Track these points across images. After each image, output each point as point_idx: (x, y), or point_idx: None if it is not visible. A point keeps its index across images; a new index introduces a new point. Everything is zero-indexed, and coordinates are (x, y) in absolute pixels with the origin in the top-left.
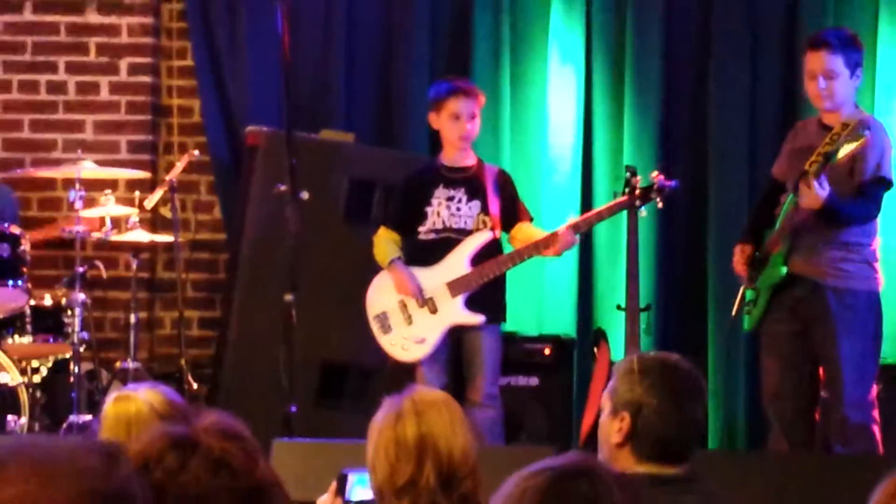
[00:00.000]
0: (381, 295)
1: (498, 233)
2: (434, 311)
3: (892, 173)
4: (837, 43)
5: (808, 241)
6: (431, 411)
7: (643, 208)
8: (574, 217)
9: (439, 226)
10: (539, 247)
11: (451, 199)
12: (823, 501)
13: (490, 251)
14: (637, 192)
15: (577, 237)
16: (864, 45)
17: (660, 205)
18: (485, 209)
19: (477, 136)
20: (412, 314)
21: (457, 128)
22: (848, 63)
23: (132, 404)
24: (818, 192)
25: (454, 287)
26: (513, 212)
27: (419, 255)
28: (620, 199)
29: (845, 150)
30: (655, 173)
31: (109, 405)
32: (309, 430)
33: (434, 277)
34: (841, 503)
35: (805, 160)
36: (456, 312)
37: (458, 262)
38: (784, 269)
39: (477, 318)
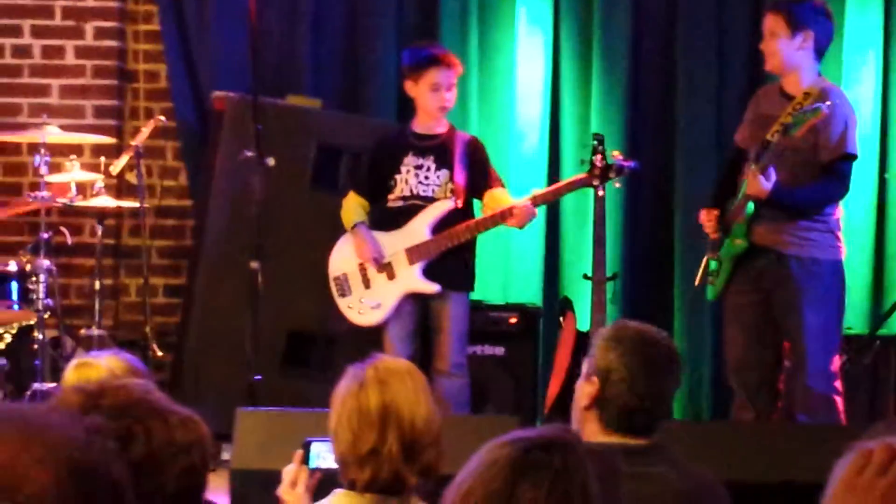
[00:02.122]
0: (342, 258)
1: (461, 202)
2: (392, 276)
3: (855, 146)
4: (782, 4)
5: (770, 212)
6: (394, 380)
7: (604, 188)
8: (536, 190)
9: (407, 193)
10: (497, 218)
11: (419, 167)
12: (787, 470)
13: (455, 220)
14: (597, 170)
15: (537, 210)
16: (832, 18)
17: (617, 185)
18: (452, 178)
19: (453, 106)
20: (370, 278)
21: (436, 98)
22: (790, 24)
23: (93, 371)
24: (762, 184)
25: (412, 254)
26: (483, 179)
27: (386, 221)
28: (580, 176)
29: (803, 123)
30: (616, 152)
31: (70, 371)
32: (274, 399)
33: (394, 243)
34: (805, 472)
35: (767, 128)
36: (412, 280)
37: (418, 230)
38: (745, 240)
39: (432, 287)
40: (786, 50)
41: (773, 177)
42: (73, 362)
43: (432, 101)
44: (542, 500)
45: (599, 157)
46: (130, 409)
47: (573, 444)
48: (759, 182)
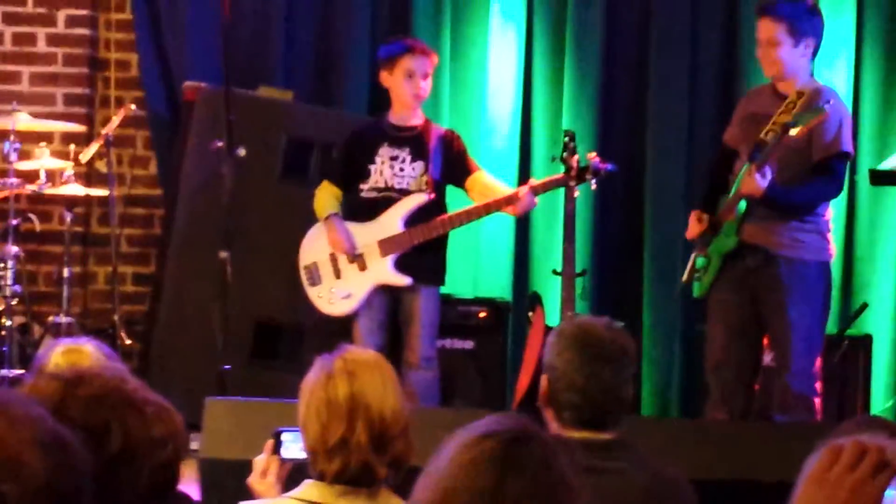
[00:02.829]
0: (314, 247)
1: (433, 195)
2: (363, 268)
3: (850, 144)
4: (782, 11)
5: (763, 211)
6: (363, 371)
7: (578, 188)
8: (532, 180)
9: (381, 185)
10: (495, 205)
11: (394, 158)
12: (755, 469)
13: (427, 213)
14: (573, 171)
15: (537, 199)
16: (822, 15)
17: (593, 186)
18: (427, 171)
19: (428, 96)
20: (341, 269)
21: (410, 86)
22: (792, 31)
23: (83, 356)
24: (759, 182)
25: (385, 246)
26: (462, 169)
27: (360, 212)
28: (556, 176)
29: (805, 123)
30: (593, 154)
31: (58, 356)
32: (242, 389)
33: (367, 235)
34: (773, 470)
35: (759, 127)
36: (383, 272)
37: (391, 222)
38: (735, 239)
39: (403, 280)
40: (788, 58)
41: (769, 175)
42: (61, 347)
43: (407, 88)
44: (529, 492)
45: (576, 157)
46: (106, 399)
47: (543, 434)
48: (754, 180)
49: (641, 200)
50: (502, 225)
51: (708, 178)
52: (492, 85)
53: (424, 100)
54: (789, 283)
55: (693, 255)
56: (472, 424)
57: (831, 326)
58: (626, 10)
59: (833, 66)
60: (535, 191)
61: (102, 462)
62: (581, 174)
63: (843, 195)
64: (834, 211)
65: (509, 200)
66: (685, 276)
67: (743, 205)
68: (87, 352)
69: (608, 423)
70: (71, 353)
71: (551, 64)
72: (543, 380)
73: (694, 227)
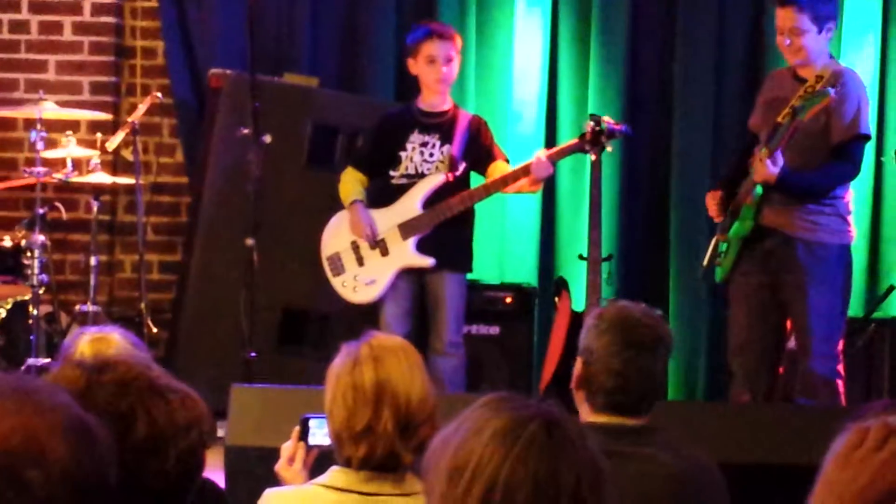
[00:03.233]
0: (335, 237)
1: (451, 176)
2: (385, 253)
3: (868, 126)
4: (801, 0)
5: (780, 194)
6: (389, 357)
7: (594, 151)
8: (546, 150)
9: (412, 171)
10: (503, 182)
11: (424, 144)
12: (782, 452)
13: (450, 194)
14: (588, 136)
15: (553, 167)
16: None
17: (609, 149)
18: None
19: (454, 79)
20: (364, 256)
21: (433, 71)
22: (815, 19)
23: (110, 345)
24: (770, 169)
25: (405, 229)
26: (486, 156)
27: (390, 198)
28: (572, 142)
29: (810, 108)
30: (607, 117)
31: (85, 345)
32: (268, 376)
33: (388, 220)
34: (800, 454)
35: (778, 111)
36: (406, 254)
37: (410, 205)
38: (752, 222)
39: (427, 261)
40: (813, 45)
41: (780, 161)
42: (88, 335)
43: (429, 74)
44: (582, 475)
45: (591, 122)
46: (131, 386)
47: (565, 413)
48: (765, 167)
49: (668, 185)
50: (528, 210)
51: (731, 161)
52: (517, 69)
53: (451, 83)
54: (809, 266)
55: (714, 240)
56: (483, 410)
57: (857, 309)
58: None
59: (860, 47)
60: (552, 158)
61: (128, 449)
62: (596, 138)
63: (870, 176)
64: (857, 193)
65: (525, 171)
66: (706, 261)
67: (759, 189)
68: (113, 340)
69: (641, 410)
70: (97, 342)
71: (577, 48)
72: (578, 363)
73: (710, 205)
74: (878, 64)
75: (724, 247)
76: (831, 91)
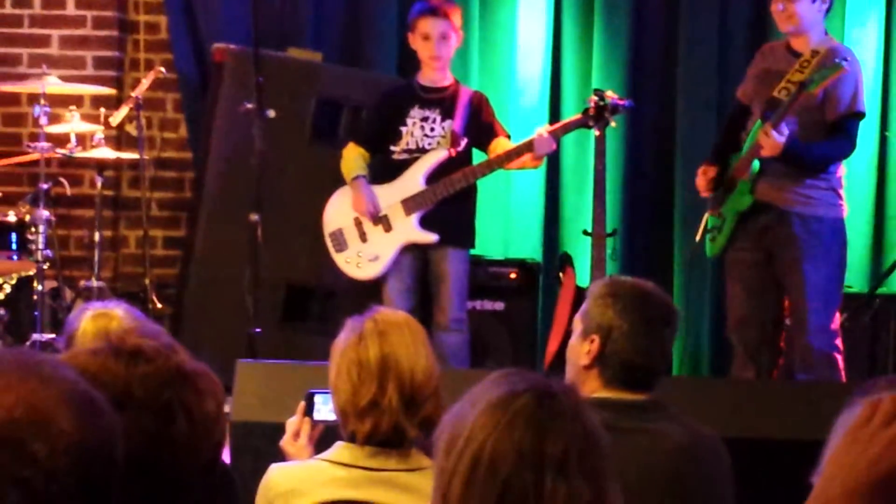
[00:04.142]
0: (337, 213)
1: (454, 151)
2: (388, 229)
3: (863, 104)
4: None
5: (776, 169)
6: (393, 332)
7: (597, 127)
8: (549, 126)
9: (412, 146)
10: (506, 157)
11: (425, 119)
12: (787, 428)
13: (452, 170)
14: (592, 111)
15: (555, 143)
16: None
17: (612, 124)
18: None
19: (448, 58)
20: (367, 232)
21: (427, 48)
22: None
23: (113, 321)
24: (777, 139)
25: (408, 205)
26: (487, 132)
27: (391, 173)
28: (575, 117)
29: (822, 80)
30: (610, 92)
31: (89, 321)
32: (273, 352)
33: (390, 195)
34: (804, 430)
35: (772, 84)
36: (409, 230)
37: (413, 180)
38: (750, 197)
39: (430, 237)
40: (806, 12)
41: (786, 131)
42: (86, 312)
43: (424, 50)
44: (571, 448)
45: (594, 97)
46: (168, 379)
47: (566, 387)
48: (772, 138)
49: (672, 160)
50: (532, 186)
51: (720, 133)
52: (521, 45)
53: (448, 59)
54: (804, 240)
55: (705, 215)
56: (486, 383)
57: (862, 285)
58: None
59: (864, 24)
60: (554, 134)
61: (167, 445)
62: (599, 113)
63: (874, 152)
64: (861, 168)
65: (528, 147)
66: (698, 236)
67: (756, 163)
68: (116, 316)
69: (652, 384)
70: (100, 318)
71: (581, 24)
72: (586, 342)
73: (702, 181)
74: (883, 39)
75: (713, 222)
76: (845, 63)
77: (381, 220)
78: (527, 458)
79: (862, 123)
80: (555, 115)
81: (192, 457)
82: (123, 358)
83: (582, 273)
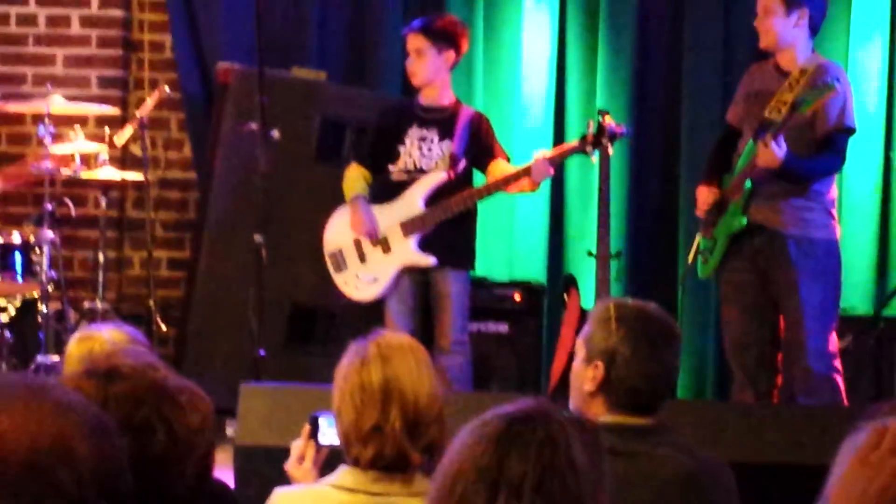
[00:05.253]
0: (337, 233)
1: (452, 173)
2: (387, 250)
3: (854, 119)
4: None
5: (768, 190)
6: (397, 356)
7: (595, 153)
8: (546, 151)
9: (410, 166)
10: (504, 182)
11: (423, 139)
12: (791, 452)
13: (451, 192)
14: (589, 137)
15: (553, 168)
16: None
17: (609, 151)
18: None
19: (423, 76)
20: (366, 253)
21: (408, 64)
22: (786, 2)
23: (96, 343)
24: (776, 152)
25: (407, 227)
26: (487, 153)
27: (389, 193)
28: (571, 143)
29: (814, 101)
30: (607, 118)
31: (73, 344)
32: (277, 374)
33: (389, 216)
34: (808, 454)
35: (763, 105)
36: (407, 253)
37: (412, 202)
38: (743, 219)
39: (428, 260)
40: (781, 28)
41: (784, 146)
42: (76, 335)
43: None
44: (530, 472)
45: (591, 122)
46: (145, 396)
47: (554, 415)
48: (771, 151)
49: (676, 181)
50: (537, 207)
51: (711, 155)
52: (525, 64)
53: (423, 78)
54: (799, 262)
55: (697, 237)
56: (494, 408)
57: (866, 307)
58: None
59: (867, 45)
60: (551, 160)
61: (149, 460)
62: (597, 139)
63: (878, 172)
64: (865, 189)
65: (526, 172)
66: (690, 258)
67: (749, 184)
68: (100, 339)
69: (658, 408)
70: (84, 341)
71: (585, 43)
72: (591, 368)
73: (707, 199)
74: (887, 58)
75: (705, 244)
76: (837, 84)
77: (380, 242)
78: (484, 476)
79: (866, 144)
80: (559, 134)
81: (177, 471)
82: (98, 378)
83: (586, 294)
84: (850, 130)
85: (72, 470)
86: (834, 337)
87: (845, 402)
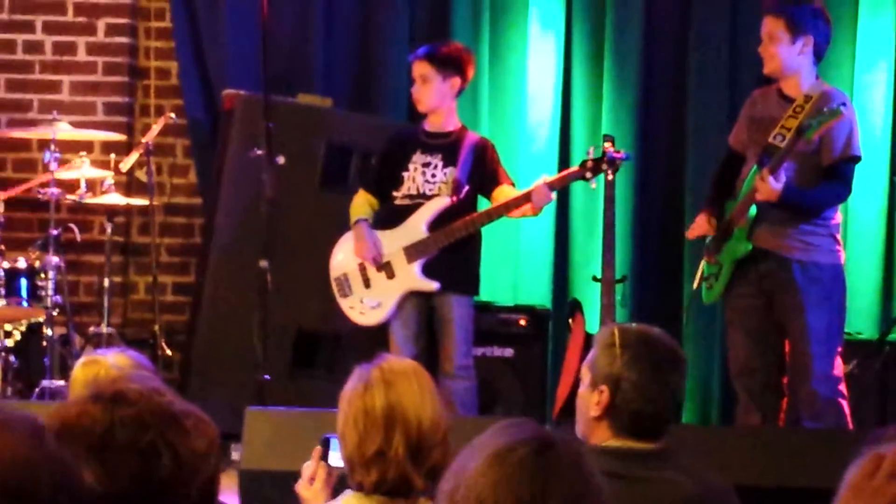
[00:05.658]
0: (343, 258)
1: (455, 198)
2: (391, 275)
3: (859, 148)
4: (783, 7)
5: (773, 215)
6: (400, 381)
7: (594, 179)
8: (548, 177)
9: (413, 192)
10: (505, 208)
11: (427, 164)
12: (797, 476)
13: (455, 217)
14: (589, 163)
15: (554, 194)
16: (829, 21)
17: (610, 177)
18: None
19: (429, 102)
20: (370, 278)
21: (413, 91)
22: (791, 27)
23: (100, 368)
24: (773, 186)
25: (410, 252)
26: (492, 179)
27: (393, 219)
28: (572, 169)
29: (819, 127)
30: (608, 144)
31: (78, 369)
32: (283, 398)
33: (393, 242)
34: (814, 477)
35: (766, 131)
36: (411, 278)
37: (415, 227)
38: (748, 244)
39: (432, 285)
40: (785, 55)
41: (783, 178)
42: (82, 360)
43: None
44: (568, 496)
45: (592, 149)
46: (151, 420)
47: (565, 438)
48: (769, 185)
49: (681, 206)
50: (542, 232)
51: (713, 181)
52: (531, 90)
53: (428, 105)
54: (805, 287)
55: (701, 262)
56: (488, 435)
57: (872, 331)
58: (665, 16)
59: (873, 71)
60: (552, 186)
61: (155, 484)
62: (597, 165)
63: (883, 196)
64: (871, 213)
65: (527, 197)
66: (695, 283)
67: (754, 209)
68: (105, 363)
69: (663, 432)
70: (89, 366)
71: (590, 69)
72: (595, 393)
73: (703, 228)
74: (892, 85)
75: (709, 269)
76: (843, 108)
77: (384, 267)
78: None
79: (870, 168)
80: (564, 160)
81: (182, 496)
82: (104, 402)
83: (592, 319)
84: (857, 159)
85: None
86: (839, 361)
87: (850, 425)
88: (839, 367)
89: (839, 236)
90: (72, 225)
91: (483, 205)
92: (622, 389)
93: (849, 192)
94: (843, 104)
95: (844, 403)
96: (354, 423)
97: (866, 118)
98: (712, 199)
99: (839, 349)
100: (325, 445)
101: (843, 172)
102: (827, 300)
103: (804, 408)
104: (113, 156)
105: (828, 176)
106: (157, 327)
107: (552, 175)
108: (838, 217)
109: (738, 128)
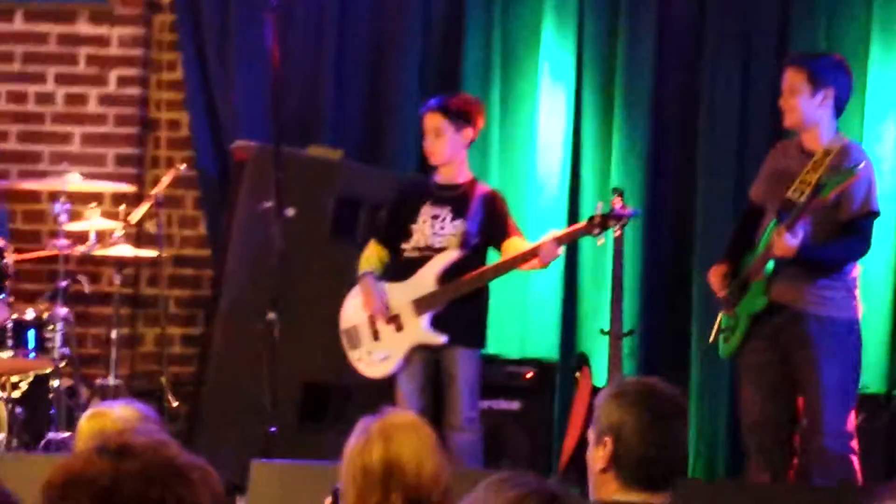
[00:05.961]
0: (353, 310)
1: (465, 251)
2: (400, 328)
3: (877, 203)
4: (804, 60)
5: (790, 270)
6: (399, 435)
7: (602, 235)
8: (556, 231)
9: (422, 244)
10: (515, 261)
11: (436, 217)
12: None
13: (465, 270)
14: (597, 219)
15: (561, 249)
16: (851, 73)
17: (617, 233)
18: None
19: (442, 155)
20: (379, 330)
21: (425, 144)
22: (812, 80)
23: (107, 420)
24: (789, 242)
25: (419, 305)
26: (501, 232)
27: (403, 271)
28: (579, 225)
29: (835, 186)
30: (616, 199)
31: (84, 421)
32: (289, 451)
33: (402, 294)
34: None
35: (785, 184)
36: (419, 331)
37: (425, 280)
38: (765, 299)
39: (440, 339)
40: (806, 107)
41: (801, 234)
42: (88, 412)
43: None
44: None
45: (600, 205)
46: (157, 474)
47: (564, 490)
48: (785, 241)
49: (689, 259)
50: (549, 284)
51: (733, 234)
52: (541, 143)
53: (443, 156)
54: (820, 341)
55: (719, 315)
56: (486, 490)
57: (880, 385)
58: (675, 68)
59: (881, 125)
60: (560, 241)
61: None
62: (604, 221)
63: (892, 248)
64: (879, 265)
65: (534, 252)
66: (712, 337)
67: (771, 264)
68: (111, 416)
69: (670, 483)
70: (96, 418)
71: (600, 121)
72: (601, 447)
73: (714, 284)
74: None
75: (726, 322)
76: (860, 168)
77: (393, 320)
78: None
79: (879, 221)
80: (573, 212)
81: None
82: (110, 455)
83: (599, 373)
84: (875, 214)
85: None
86: (852, 416)
87: (860, 482)
88: (852, 423)
89: (857, 290)
90: (80, 276)
91: (493, 256)
92: (624, 436)
93: (867, 247)
94: (862, 161)
95: (855, 459)
96: (353, 480)
97: (875, 172)
98: (730, 252)
99: (853, 404)
100: (335, 495)
101: (862, 228)
102: (842, 355)
103: (814, 463)
104: (123, 207)
105: (846, 231)
106: (164, 379)
107: (560, 230)
108: (856, 271)
109: (758, 180)
